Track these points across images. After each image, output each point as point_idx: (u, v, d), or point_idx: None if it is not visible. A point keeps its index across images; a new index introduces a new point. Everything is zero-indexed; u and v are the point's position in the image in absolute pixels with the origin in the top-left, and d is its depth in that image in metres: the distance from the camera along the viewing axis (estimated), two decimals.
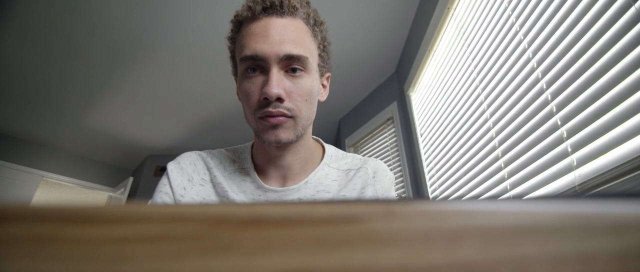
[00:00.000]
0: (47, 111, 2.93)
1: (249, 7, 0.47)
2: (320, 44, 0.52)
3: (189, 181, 0.54)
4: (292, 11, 0.47)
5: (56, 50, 2.17)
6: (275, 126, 0.46)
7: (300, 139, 0.53)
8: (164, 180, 0.54)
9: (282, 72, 0.46)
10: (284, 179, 0.55)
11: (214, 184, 0.54)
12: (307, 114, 0.49)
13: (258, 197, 0.52)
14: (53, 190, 4.71)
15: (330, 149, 0.61)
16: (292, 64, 0.46)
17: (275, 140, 0.47)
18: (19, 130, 3.29)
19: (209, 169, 0.56)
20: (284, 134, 0.47)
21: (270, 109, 0.45)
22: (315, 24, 0.51)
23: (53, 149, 3.66)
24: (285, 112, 0.46)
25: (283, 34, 0.46)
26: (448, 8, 1.47)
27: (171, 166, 0.54)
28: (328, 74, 0.57)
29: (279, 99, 0.45)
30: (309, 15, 0.50)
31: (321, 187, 0.54)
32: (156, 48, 2.15)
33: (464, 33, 1.36)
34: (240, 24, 0.50)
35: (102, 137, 3.44)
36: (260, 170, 0.55)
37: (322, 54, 0.52)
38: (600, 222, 0.10)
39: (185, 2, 1.80)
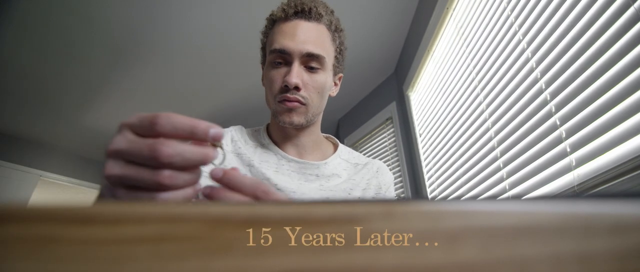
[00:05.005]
0: (45, 110, 2.92)
1: (283, 10, 0.57)
2: (337, 47, 0.61)
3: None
4: (317, 18, 0.57)
5: (54, 49, 2.17)
6: (291, 110, 0.56)
7: (312, 125, 0.63)
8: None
9: (302, 67, 0.55)
10: (301, 157, 0.63)
11: (238, 154, 0.61)
12: (318, 104, 0.59)
13: (281, 167, 0.60)
14: (51, 190, 4.68)
15: (342, 145, 0.71)
16: (311, 62, 0.56)
17: (289, 121, 0.56)
18: (16, 130, 3.28)
19: (232, 141, 0.63)
20: (297, 118, 0.56)
21: (288, 95, 0.55)
22: (335, 31, 0.60)
23: (51, 148, 3.64)
24: (300, 99, 0.55)
25: (307, 35, 0.55)
26: (447, 8, 1.47)
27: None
28: (340, 75, 0.66)
29: (297, 88, 0.54)
30: (331, 23, 0.59)
31: (335, 172, 0.64)
32: (155, 47, 2.15)
33: (463, 33, 1.36)
34: (273, 22, 0.59)
35: (100, 136, 3.42)
36: (279, 146, 0.63)
37: (337, 56, 0.62)
38: (599, 223, 0.10)
39: (184, 1, 1.79)
